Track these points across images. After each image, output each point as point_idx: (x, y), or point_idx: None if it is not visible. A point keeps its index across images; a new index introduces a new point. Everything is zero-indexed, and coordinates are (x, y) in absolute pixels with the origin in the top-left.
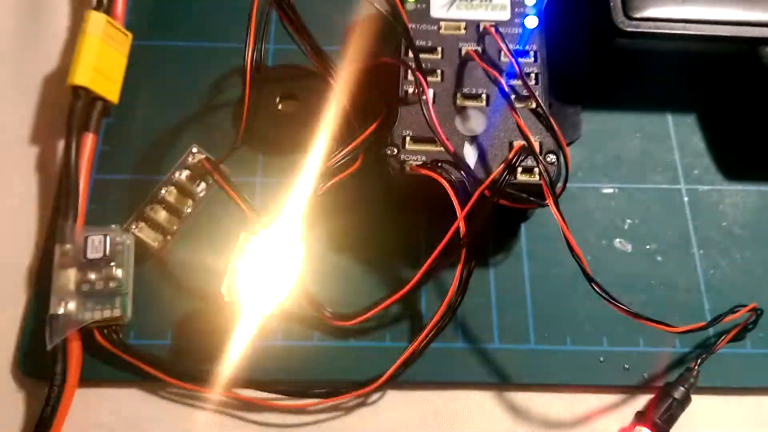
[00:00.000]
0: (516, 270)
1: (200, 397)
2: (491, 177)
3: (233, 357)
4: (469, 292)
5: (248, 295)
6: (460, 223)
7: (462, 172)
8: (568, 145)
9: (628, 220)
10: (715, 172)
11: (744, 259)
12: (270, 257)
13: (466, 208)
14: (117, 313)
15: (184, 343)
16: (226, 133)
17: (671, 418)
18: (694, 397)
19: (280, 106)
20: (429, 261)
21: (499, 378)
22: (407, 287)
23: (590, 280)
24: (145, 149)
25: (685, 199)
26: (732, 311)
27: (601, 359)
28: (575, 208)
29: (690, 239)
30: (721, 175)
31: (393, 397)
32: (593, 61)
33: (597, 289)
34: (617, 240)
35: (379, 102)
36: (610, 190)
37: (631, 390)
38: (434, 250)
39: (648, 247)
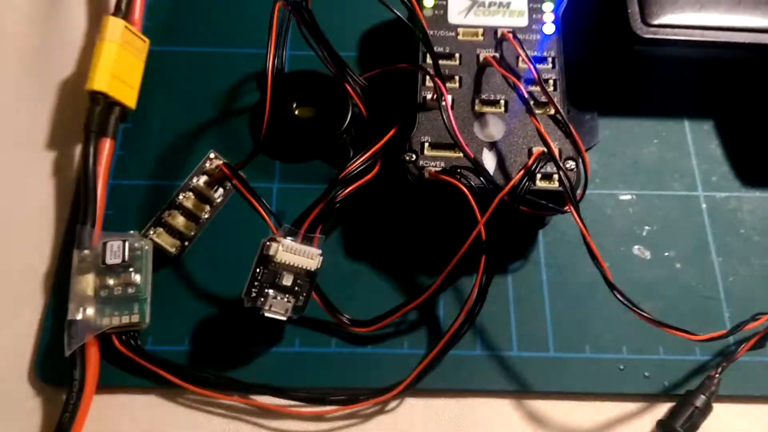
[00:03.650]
0: (534, 277)
1: (218, 403)
2: (511, 183)
3: (251, 363)
4: (488, 299)
5: (268, 301)
6: (480, 230)
7: (481, 178)
8: (586, 151)
9: (647, 227)
10: (733, 178)
11: (763, 266)
12: (289, 264)
13: (486, 215)
14: (135, 318)
15: (202, 349)
16: (243, 138)
17: (693, 426)
18: (715, 405)
19: (297, 112)
20: (448, 268)
21: (518, 386)
22: (425, 294)
23: (612, 287)
24: (162, 155)
25: (703, 206)
26: (753, 319)
27: (621, 367)
28: (593, 215)
29: (709, 246)
30: (739, 181)
31: (411, 404)
32: (610, 68)
33: (619, 297)
34: (636, 247)
35: (396, 109)
36: (628, 197)
37: (652, 398)
38: (453, 257)
39: (667, 254)
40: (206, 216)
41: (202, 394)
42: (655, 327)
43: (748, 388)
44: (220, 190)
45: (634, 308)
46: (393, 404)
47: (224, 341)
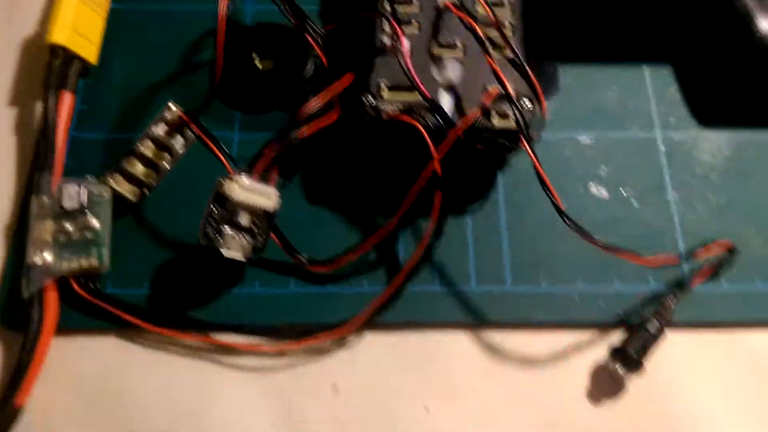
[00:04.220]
0: (492, 216)
1: (178, 342)
2: (466, 120)
3: (211, 304)
4: (446, 237)
5: (225, 241)
6: (436, 166)
7: (438, 117)
8: (546, 99)
9: (605, 168)
10: (690, 120)
11: (719, 203)
12: (246, 203)
13: (442, 151)
14: (94, 263)
15: (162, 292)
16: (204, 92)
17: (645, 350)
18: (670, 334)
19: (258, 64)
20: (404, 205)
21: (475, 318)
22: (383, 231)
23: (561, 213)
24: (123, 109)
25: (661, 146)
26: (705, 246)
27: (577, 299)
28: (552, 158)
29: (665, 185)
30: (696, 123)
31: (370, 339)
32: (570, 16)
33: (568, 222)
34: (593, 186)
35: (356, 55)
36: (587, 140)
37: (606, 327)
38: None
39: (624, 193)
40: (167, 165)
41: (163, 334)
42: (605, 251)
43: (701, 316)
44: (181, 140)
45: (583, 234)
46: (352, 339)
47: (184, 284)
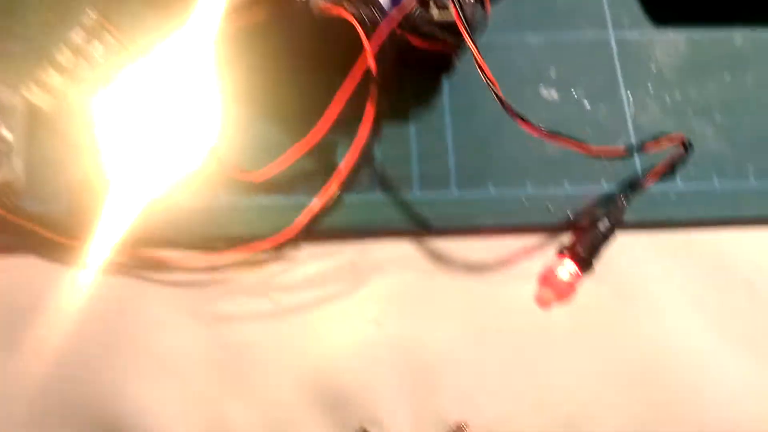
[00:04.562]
0: (437, 121)
1: (101, 259)
2: (401, 9)
3: (134, 217)
4: (389, 143)
5: (141, 140)
6: (369, 61)
7: (372, 9)
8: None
9: (555, 69)
10: (644, 19)
11: (674, 100)
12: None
13: (375, 45)
14: (9, 176)
15: (82, 206)
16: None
17: (594, 249)
18: (623, 235)
19: None
20: (336, 104)
21: (418, 225)
22: (315, 133)
23: (502, 102)
24: (39, 19)
25: (614, 46)
26: (656, 139)
27: (525, 202)
28: (499, 58)
29: (618, 84)
30: (650, 22)
31: (308, 250)
32: None
33: (509, 110)
34: (543, 88)
35: None
36: (537, 41)
37: (555, 229)
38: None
39: (575, 94)
40: (85, 73)
41: (84, 250)
42: (547, 140)
43: (655, 214)
44: (101, 48)
45: (523, 121)
46: (290, 250)
47: (106, 198)
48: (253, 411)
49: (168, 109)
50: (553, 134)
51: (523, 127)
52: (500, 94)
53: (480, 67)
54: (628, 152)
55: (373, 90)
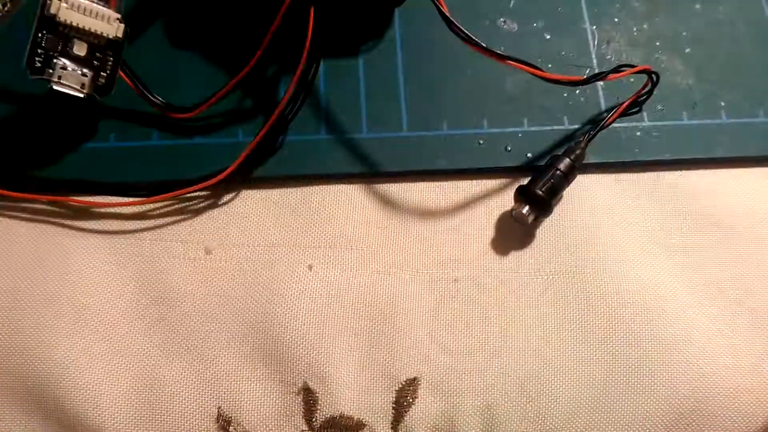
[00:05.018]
0: (388, 57)
1: (23, 206)
2: None
3: (60, 162)
4: (335, 80)
5: (56, 72)
6: None
7: None
8: None
9: (513, 0)
10: None
11: (641, 31)
12: (80, 27)
13: None
14: None
15: (3, 149)
16: None
17: (554, 190)
18: (585, 176)
19: None
20: (272, 28)
21: (367, 168)
22: (248, 67)
23: (447, 20)
24: None
25: None
26: (617, 70)
27: (481, 142)
28: None
29: (582, 14)
30: None
31: (247, 195)
32: None
33: (457, 31)
34: (501, 19)
35: None
36: None
37: (514, 171)
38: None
39: (535, 24)
40: (5, 7)
41: (5, 196)
42: (500, 62)
43: (621, 155)
44: None
45: (474, 44)
46: (228, 197)
47: (29, 140)
48: (186, 367)
49: (73, 17)
50: (504, 56)
51: (472, 48)
52: (445, 10)
53: None
54: (586, 81)
55: (312, 9)
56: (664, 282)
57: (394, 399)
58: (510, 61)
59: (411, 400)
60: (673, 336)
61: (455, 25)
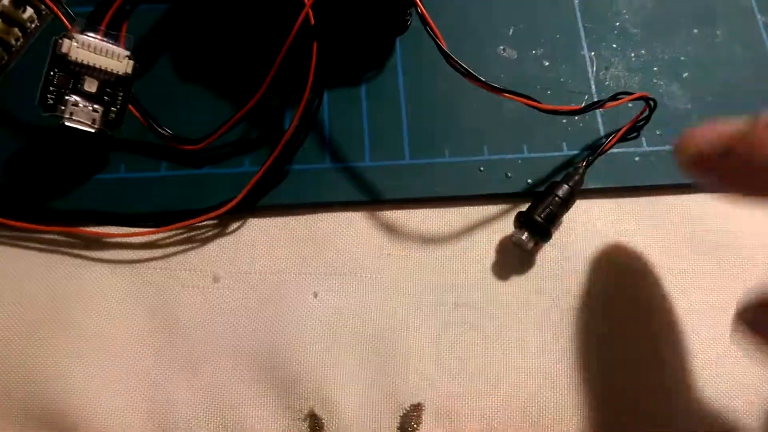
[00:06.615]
0: (390, 85)
1: (37, 236)
2: None
3: (72, 193)
4: (337, 110)
5: (68, 109)
6: (308, 12)
7: None
8: None
9: (513, 27)
10: None
11: (639, 57)
12: (90, 65)
13: None
14: None
15: (17, 181)
16: None
17: (553, 216)
18: (584, 200)
19: None
20: (277, 61)
21: (370, 196)
22: (254, 99)
23: (445, 54)
24: None
25: (576, 2)
26: (614, 98)
27: (482, 169)
28: (454, 17)
29: (580, 41)
30: None
31: (254, 223)
32: None
33: (453, 63)
34: (501, 47)
35: None
36: None
37: (514, 198)
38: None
39: (534, 52)
40: (18, 43)
41: (19, 228)
42: (495, 94)
43: (621, 180)
44: (31, 12)
45: (470, 76)
46: (235, 225)
47: (43, 172)
48: (197, 393)
49: (84, 56)
50: (502, 89)
51: (468, 80)
52: (443, 45)
53: (422, 16)
54: (583, 111)
55: (315, 44)
56: (666, 306)
57: (398, 424)
58: (507, 94)
59: (415, 426)
60: (677, 359)
61: (454, 59)
